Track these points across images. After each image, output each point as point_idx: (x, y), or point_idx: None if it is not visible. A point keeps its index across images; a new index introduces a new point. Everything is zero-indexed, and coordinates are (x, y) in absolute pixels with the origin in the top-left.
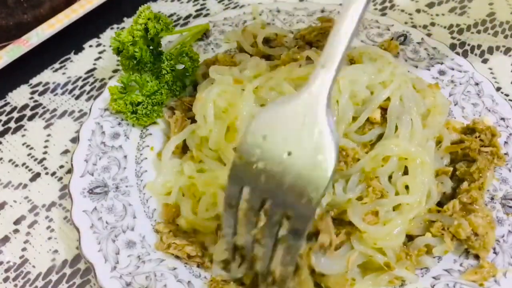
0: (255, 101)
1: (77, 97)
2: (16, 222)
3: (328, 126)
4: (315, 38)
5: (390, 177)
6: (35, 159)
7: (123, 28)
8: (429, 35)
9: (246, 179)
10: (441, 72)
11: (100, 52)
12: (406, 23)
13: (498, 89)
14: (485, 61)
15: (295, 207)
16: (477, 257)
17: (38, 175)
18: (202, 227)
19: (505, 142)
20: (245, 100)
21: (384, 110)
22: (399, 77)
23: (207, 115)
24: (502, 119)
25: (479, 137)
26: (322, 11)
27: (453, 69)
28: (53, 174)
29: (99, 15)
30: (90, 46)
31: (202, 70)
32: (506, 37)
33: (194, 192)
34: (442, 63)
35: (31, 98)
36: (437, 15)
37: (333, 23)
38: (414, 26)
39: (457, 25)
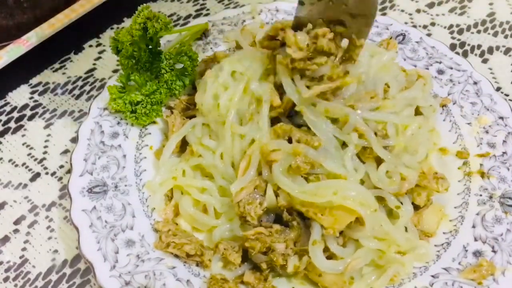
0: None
1: (77, 97)
2: (16, 222)
3: None
4: None
5: None
6: (35, 159)
7: (123, 28)
8: (429, 35)
9: None
10: (440, 71)
11: (100, 52)
12: (406, 23)
13: (498, 89)
14: (485, 61)
15: None
16: (476, 255)
17: (38, 175)
18: (201, 225)
19: (504, 141)
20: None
21: None
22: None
23: (222, 74)
24: (501, 118)
25: None
26: None
27: (451, 68)
28: (53, 174)
29: (99, 15)
30: (90, 46)
31: (200, 68)
32: (506, 37)
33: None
34: (440, 62)
35: (31, 98)
36: (437, 15)
37: None
38: (414, 26)
39: (457, 25)
